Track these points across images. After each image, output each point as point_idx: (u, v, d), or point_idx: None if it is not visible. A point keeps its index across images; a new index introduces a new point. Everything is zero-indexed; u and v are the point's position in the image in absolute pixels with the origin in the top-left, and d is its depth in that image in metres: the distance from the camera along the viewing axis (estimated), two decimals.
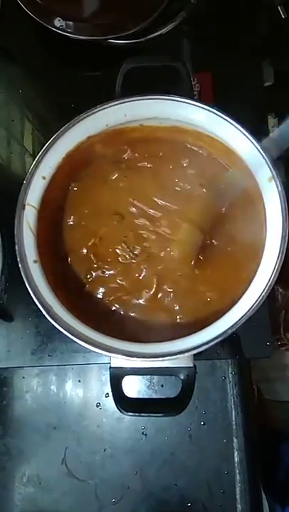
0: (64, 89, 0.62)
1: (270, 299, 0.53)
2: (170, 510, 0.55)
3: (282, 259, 0.39)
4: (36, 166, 0.42)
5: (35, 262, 0.41)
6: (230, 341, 0.52)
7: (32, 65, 0.64)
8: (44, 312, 0.39)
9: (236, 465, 0.55)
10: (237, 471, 0.54)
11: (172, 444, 0.56)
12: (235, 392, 0.56)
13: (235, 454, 0.55)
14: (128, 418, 0.57)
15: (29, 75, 0.64)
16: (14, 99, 0.63)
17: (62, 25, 0.56)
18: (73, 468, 0.56)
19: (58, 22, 0.57)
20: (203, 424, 0.56)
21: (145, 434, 0.56)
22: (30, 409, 0.58)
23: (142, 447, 0.56)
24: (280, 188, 0.40)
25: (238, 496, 0.54)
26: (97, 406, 0.57)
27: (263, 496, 0.68)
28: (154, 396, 0.56)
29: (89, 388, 0.58)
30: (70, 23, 0.57)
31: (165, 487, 0.55)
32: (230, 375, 0.56)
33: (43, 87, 0.64)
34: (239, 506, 0.54)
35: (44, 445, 0.57)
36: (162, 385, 0.56)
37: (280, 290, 0.88)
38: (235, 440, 0.55)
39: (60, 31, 0.57)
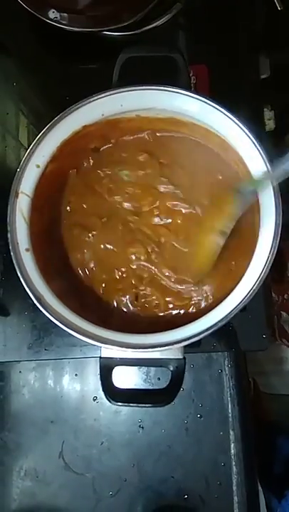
0: (59, 81, 0.61)
1: (266, 293, 0.54)
2: (167, 502, 0.55)
3: (274, 254, 0.39)
4: (30, 154, 0.42)
5: (27, 250, 0.41)
6: (226, 334, 0.52)
7: (26, 57, 0.63)
8: (35, 301, 0.39)
9: (233, 457, 0.55)
10: (233, 463, 0.55)
11: (169, 437, 0.56)
12: (231, 384, 0.56)
13: (232, 446, 0.55)
14: (125, 411, 0.57)
15: (23, 67, 0.63)
16: (8, 93, 0.63)
17: (56, 17, 0.56)
18: (70, 461, 0.57)
19: (52, 14, 0.56)
20: (200, 417, 0.56)
21: (142, 427, 0.57)
22: (27, 403, 0.58)
23: (139, 440, 0.56)
24: (273, 183, 0.40)
25: (234, 488, 0.54)
26: (94, 400, 0.57)
27: (260, 488, 0.69)
28: (151, 388, 0.56)
29: (86, 382, 0.58)
30: (65, 14, 0.56)
31: (162, 479, 0.56)
32: (226, 368, 0.56)
33: (37, 80, 0.63)
34: (236, 498, 0.54)
35: (41, 439, 0.57)
36: (159, 378, 0.56)
37: (274, 295, 0.89)
38: (231, 432, 0.55)
39: (54, 23, 0.56)
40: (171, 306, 0.45)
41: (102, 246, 0.46)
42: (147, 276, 0.45)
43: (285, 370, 1.10)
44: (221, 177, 0.46)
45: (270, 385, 1.07)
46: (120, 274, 0.46)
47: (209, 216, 0.44)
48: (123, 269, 0.46)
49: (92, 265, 0.46)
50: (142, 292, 0.45)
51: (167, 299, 0.45)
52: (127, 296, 0.45)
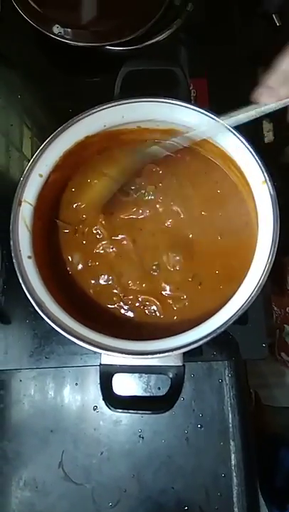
0: (62, 94, 0.63)
1: (265, 302, 0.54)
2: None
3: (273, 261, 0.39)
4: (34, 164, 0.43)
5: (29, 257, 0.41)
6: (226, 343, 0.53)
7: (31, 71, 0.65)
8: (36, 307, 0.40)
9: (233, 468, 0.55)
10: (234, 474, 0.54)
11: (169, 447, 0.56)
12: (232, 394, 0.56)
13: (232, 456, 0.55)
14: (125, 421, 0.57)
15: (28, 81, 0.65)
16: (13, 105, 0.64)
17: (60, 32, 0.57)
18: (70, 471, 0.56)
19: (56, 29, 0.57)
20: (200, 427, 0.56)
21: (142, 437, 0.56)
22: (27, 412, 0.58)
23: (139, 450, 0.56)
24: (272, 192, 0.41)
25: (235, 499, 0.54)
26: (94, 409, 0.57)
27: (262, 501, 0.68)
28: (150, 396, 0.56)
29: (86, 391, 0.58)
30: (69, 30, 0.57)
31: (162, 490, 0.55)
32: (226, 378, 0.56)
33: (41, 93, 0.65)
34: (236, 509, 0.54)
35: (41, 448, 0.57)
36: (159, 388, 0.56)
37: (276, 309, 0.89)
38: (232, 443, 0.55)
39: (58, 38, 0.57)
40: (170, 312, 0.45)
41: (101, 253, 0.47)
42: (147, 283, 0.46)
43: (287, 382, 1.09)
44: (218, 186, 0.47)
45: (273, 397, 1.06)
46: (119, 280, 0.47)
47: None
48: (124, 277, 0.47)
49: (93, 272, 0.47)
50: (141, 298, 0.46)
51: (167, 304, 0.45)
52: (128, 303, 0.46)
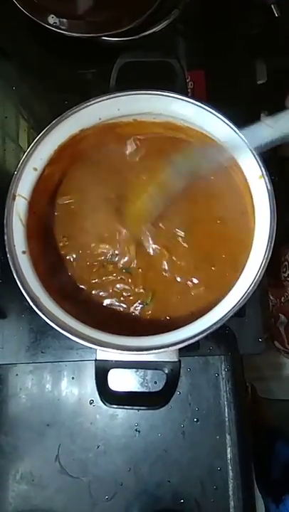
0: (58, 86, 0.62)
1: (262, 297, 0.54)
2: (163, 506, 0.55)
3: (269, 257, 0.39)
4: (28, 157, 0.42)
5: (23, 252, 0.41)
6: (223, 338, 0.53)
7: (26, 62, 0.64)
8: (31, 303, 0.39)
9: (229, 461, 0.55)
10: (230, 468, 0.55)
11: (165, 441, 0.56)
12: (228, 388, 0.56)
13: (228, 450, 0.55)
14: (121, 415, 0.57)
15: (23, 72, 0.64)
16: (8, 97, 0.63)
17: (56, 23, 0.56)
18: (66, 465, 0.56)
19: (51, 19, 0.56)
20: (196, 421, 0.56)
21: (138, 431, 0.56)
22: (23, 406, 0.58)
23: (135, 444, 0.56)
24: (269, 187, 0.40)
25: (230, 492, 0.54)
26: (91, 403, 0.57)
27: (258, 494, 0.68)
28: (146, 391, 0.56)
29: (83, 385, 0.58)
30: (64, 20, 0.56)
31: (158, 484, 0.55)
32: (223, 372, 0.56)
33: (36, 84, 0.64)
34: (232, 502, 0.54)
35: (37, 442, 0.57)
36: (155, 382, 0.56)
37: (272, 298, 0.89)
38: (228, 436, 0.55)
39: (54, 28, 0.56)
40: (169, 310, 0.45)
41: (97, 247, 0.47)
42: (144, 277, 0.45)
43: (283, 375, 1.10)
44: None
45: (269, 390, 1.07)
46: (116, 275, 0.46)
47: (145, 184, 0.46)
48: (119, 270, 0.46)
49: (88, 267, 0.46)
50: (138, 292, 0.45)
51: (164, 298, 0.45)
52: (124, 299, 0.45)
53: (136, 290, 0.45)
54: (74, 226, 0.48)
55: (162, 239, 0.46)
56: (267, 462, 0.76)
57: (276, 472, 0.75)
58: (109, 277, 0.46)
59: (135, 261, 0.46)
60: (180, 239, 0.46)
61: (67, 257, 0.47)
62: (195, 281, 0.45)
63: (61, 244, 0.47)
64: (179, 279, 0.45)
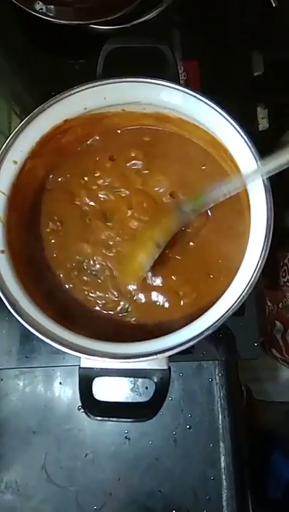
0: (45, 76, 0.59)
1: (258, 300, 0.52)
2: None
3: (265, 258, 0.36)
4: (7, 149, 0.39)
5: (2, 252, 0.38)
6: (217, 342, 0.50)
7: (12, 51, 0.61)
8: (9, 306, 0.37)
9: (223, 470, 0.53)
10: (223, 477, 0.53)
11: (156, 449, 0.54)
12: (222, 394, 0.54)
13: (222, 459, 0.53)
14: (111, 422, 0.55)
15: (8, 61, 0.61)
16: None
17: (42, 9, 0.54)
18: (53, 474, 0.54)
19: (38, 5, 0.54)
20: (189, 428, 0.54)
21: (128, 439, 0.54)
22: (8, 412, 0.56)
23: (125, 452, 0.54)
24: (266, 182, 0.38)
25: (224, 503, 0.52)
26: (79, 409, 0.55)
27: None
28: (138, 398, 0.54)
29: (70, 391, 0.56)
30: (51, 6, 0.54)
31: (149, 493, 0.53)
32: (217, 377, 0.54)
33: (22, 74, 0.61)
34: None
35: (23, 450, 0.55)
36: (146, 387, 0.54)
37: (269, 304, 0.87)
38: (222, 444, 0.53)
39: (40, 15, 0.54)
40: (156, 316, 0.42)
41: (80, 248, 0.44)
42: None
43: (279, 376, 1.08)
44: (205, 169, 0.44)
45: (265, 392, 1.05)
46: (102, 278, 0.44)
47: (148, 227, 0.43)
48: (104, 273, 0.44)
49: (71, 269, 0.44)
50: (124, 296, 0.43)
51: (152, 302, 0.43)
52: (109, 303, 0.43)
53: (113, 297, 0.43)
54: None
55: None
56: (264, 477, 0.73)
57: (274, 492, 0.72)
58: (89, 281, 0.44)
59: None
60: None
61: (50, 258, 0.44)
62: (187, 290, 0.42)
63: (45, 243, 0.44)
64: (169, 291, 0.43)
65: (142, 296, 0.43)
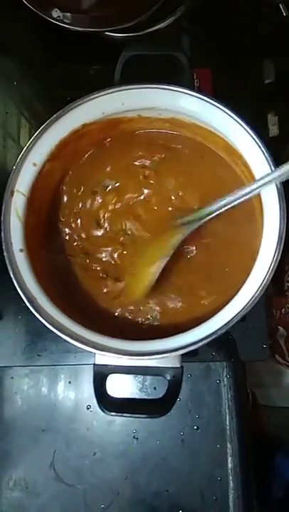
0: (60, 82, 0.60)
1: (267, 302, 0.52)
2: None
3: (278, 260, 0.37)
4: (27, 152, 0.40)
5: (21, 250, 0.39)
6: (226, 343, 0.51)
7: (28, 56, 0.62)
8: (27, 303, 0.38)
9: (230, 471, 0.53)
10: (230, 478, 0.53)
11: (164, 449, 0.54)
12: (230, 396, 0.54)
13: (229, 459, 0.53)
14: (119, 421, 0.55)
15: (24, 67, 0.62)
16: (9, 93, 0.62)
17: (59, 16, 0.55)
18: (62, 472, 0.55)
19: (55, 13, 0.55)
20: (197, 429, 0.54)
21: (136, 438, 0.55)
22: (18, 410, 0.56)
23: (133, 451, 0.55)
24: (279, 186, 0.39)
25: (231, 504, 0.53)
26: (88, 408, 0.56)
27: None
28: (146, 398, 0.55)
29: (80, 390, 0.56)
30: (68, 14, 0.55)
31: (156, 493, 0.54)
32: (225, 379, 0.55)
33: (38, 80, 0.62)
34: None
35: (32, 448, 0.56)
36: (155, 388, 0.55)
37: (272, 309, 0.87)
38: (229, 445, 0.54)
39: (57, 22, 0.55)
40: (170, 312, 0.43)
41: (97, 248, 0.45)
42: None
43: (284, 382, 1.08)
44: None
45: (269, 397, 1.05)
46: (117, 277, 0.45)
47: (153, 242, 0.44)
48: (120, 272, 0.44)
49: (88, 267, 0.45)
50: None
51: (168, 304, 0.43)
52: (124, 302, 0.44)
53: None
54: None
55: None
56: (267, 478, 0.73)
57: (277, 491, 0.72)
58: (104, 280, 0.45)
59: None
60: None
61: (68, 258, 0.45)
62: (206, 291, 0.43)
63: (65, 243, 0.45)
64: (189, 291, 0.44)
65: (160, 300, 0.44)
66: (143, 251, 0.44)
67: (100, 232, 0.46)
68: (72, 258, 0.45)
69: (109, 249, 0.45)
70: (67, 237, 0.46)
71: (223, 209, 0.40)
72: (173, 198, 0.46)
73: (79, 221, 0.46)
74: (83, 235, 0.46)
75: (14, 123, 0.61)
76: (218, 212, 0.40)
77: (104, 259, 0.46)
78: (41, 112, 0.62)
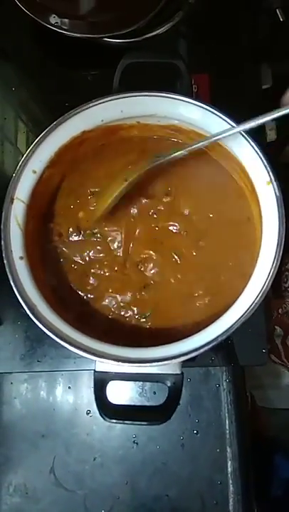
0: (58, 87, 0.61)
1: (265, 307, 0.52)
2: None
3: (278, 265, 0.37)
4: (27, 160, 0.41)
5: (21, 258, 0.39)
6: (225, 348, 0.51)
7: (26, 62, 0.63)
8: (28, 311, 0.38)
9: (230, 475, 0.53)
10: (230, 482, 0.53)
11: (164, 453, 0.54)
12: (229, 400, 0.54)
13: (229, 463, 0.54)
14: (119, 426, 0.55)
15: (23, 73, 0.63)
16: (7, 98, 0.62)
17: (57, 23, 0.55)
18: (61, 477, 0.55)
19: (53, 19, 0.55)
20: (196, 433, 0.54)
21: (136, 443, 0.55)
22: (18, 416, 0.56)
23: (133, 456, 0.55)
24: (277, 193, 0.39)
25: (231, 508, 0.53)
26: (88, 413, 0.56)
27: None
28: (146, 403, 0.55)
29: (79, 395, 0.56)
30: (66, 20, 0.55)
31: (156, 498, 0.54)
32: (224, 383, 0.55)
33: (36, 86, 0.63)
34: None
35: (32, 453, 0.55)
36: (154, 392, 0.55)
37: (270, 310, 0.87)
38: (228, 449, 0.54)
39: (55, 28, 0.55)
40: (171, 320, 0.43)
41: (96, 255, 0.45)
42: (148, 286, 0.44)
43: (282, 384, 1.08)
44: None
45: (267, 399, 1.05)
46: (117, 284, 0.45)
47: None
48: (120, 279, 0.45)
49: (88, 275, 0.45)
50: (140, 300, 0.44)
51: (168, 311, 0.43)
52: (126, 309, 0.44)
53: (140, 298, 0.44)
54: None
55: (166, 250, 0.45)
56: (266, 478, 0.74)
57: (276, 490, 0.73)
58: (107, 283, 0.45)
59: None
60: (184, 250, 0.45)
61: (64, 263, 0.45)
62: (200, 291, 0.43)
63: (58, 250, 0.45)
64: (183, 290, 0.44)
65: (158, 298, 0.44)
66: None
67: (94, 237, 0.46)
68: (67, 261, 0.46)
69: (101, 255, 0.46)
70: (62, 242, 0.46)
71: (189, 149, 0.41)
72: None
73: (73, 225, 0.46)
74: (75, 238, 0.46)
75: (13, 128, 0.61)
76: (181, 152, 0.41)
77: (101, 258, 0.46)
78: (39, 118, 0.62)
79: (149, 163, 0.43)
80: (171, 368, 0.38)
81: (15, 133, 0.61)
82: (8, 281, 0.40)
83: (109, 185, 0.43)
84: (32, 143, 0.41)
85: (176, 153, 0.42)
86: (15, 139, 0.61)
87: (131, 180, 0.42)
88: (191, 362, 0.51)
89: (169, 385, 0.38)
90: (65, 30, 0.56)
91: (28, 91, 0.62)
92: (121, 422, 0.37)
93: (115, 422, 0.36)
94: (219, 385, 0.55)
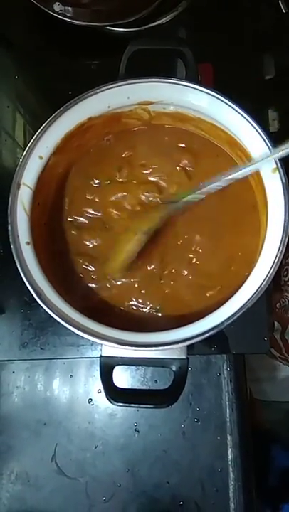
0: (61, 76, 0.60)
1: (267, 294, 0.53)
2: (162, 508, 0.54)
3: (283, 252, 0.38)
4: (34, 145, 0.41)
5: (27, 243, 0.39)
6: (227, 336, 0.51)
7: (29, 50, 0.62)
8: (35, 295, 0.38)
9: (230, 463, 0.54)
10: (230, 469, 0.54)
11: (165, 441, 0.55)
12: (230, 388, 0.55)
13: (229, 451, 0.54)
14: (120, 414, 0.56)
15: (25, 61, 0.62)
16: (9, 86, 0.61)
17: (61, 10, 0.55)
18: (63, 465, 0.55)
19: (57, 6, 0.55)
20: (197, 421, 0.55)
21: (138, 431, 0.55)
22: (20, 404, 0.57)
23: (134, 444, 0.55)
24: (283, 180, 0.39)
25: (231, 495, 0.53)
26: (89, 402, 0.56)
27: None
28: (153, 389, 0.55)
29: (81, 384, 0.56)
30: (70, 8, 0.55)
31: (157, 485, 0.54)
32: (225, 372, 0.55)
33: (39, 74, 0.62)
34: (232, 505, 0.53)
35: (33, 442, 0.56)
36: (156, 381, 0.55)
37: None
38: (229, 437, 0.54)
39: (59, 16, 0.55)
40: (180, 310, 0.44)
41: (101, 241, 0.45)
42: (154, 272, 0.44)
43: (278, 376, 1.09)
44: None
45: (263, 392, 1.06)
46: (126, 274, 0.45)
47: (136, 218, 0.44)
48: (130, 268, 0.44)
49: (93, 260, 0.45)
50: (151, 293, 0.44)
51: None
52: (132, 292, 0.44)
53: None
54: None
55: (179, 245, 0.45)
56: (263, 468, 0.75)
57: (273, 479, 0.74)
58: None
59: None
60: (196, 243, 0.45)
61: (71, 250, 0.45)
62: (211, 283, 0.43)
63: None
64: (196, 284, 0.44)
65: (169, 290, 0.44)
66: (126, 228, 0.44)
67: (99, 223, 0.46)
68: (73, 249, 0.45)
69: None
70: (69, 231, 0.46)
71: (203, 191, 0.40)
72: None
73: (82, 214, 0.46)
74: (84, 227, 0.46)
75: (10, 118, 0.60)
76: (197, 195, 0.41)
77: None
78: (43, 106, 0.62)
79: (160, 213, 0.42)
80: (176, 353, 0.38)
81: (13, 122, 0.61)
82: (10, 270, 0.40)
83: (121, 239, 0.43)
84: (34, 131, 0.41)
85: (188, 197, 0.41)
86: (12, 128, 0.60)
87: (146, 232, 0.41)
88: (192, 350, 0.51)
89: (174, 369, 0.38)
90: (68, 18, 0.55)
91: (30, 79, 0.62)
92: (127, 405, 0.37)
93: (122, 405, 0.37)
94: (220, 374, 0.55)
